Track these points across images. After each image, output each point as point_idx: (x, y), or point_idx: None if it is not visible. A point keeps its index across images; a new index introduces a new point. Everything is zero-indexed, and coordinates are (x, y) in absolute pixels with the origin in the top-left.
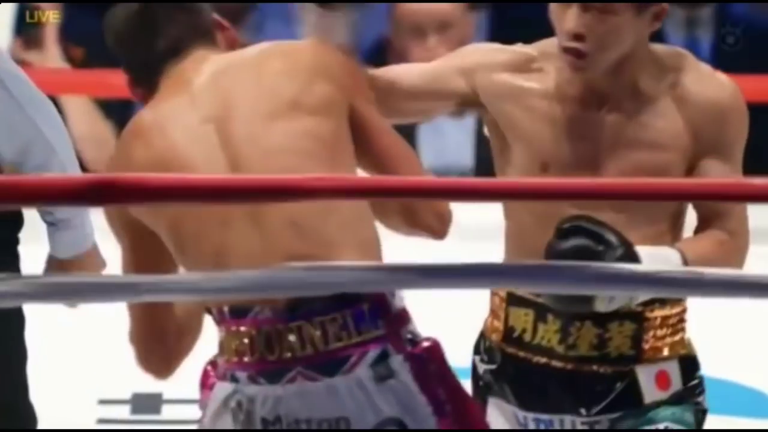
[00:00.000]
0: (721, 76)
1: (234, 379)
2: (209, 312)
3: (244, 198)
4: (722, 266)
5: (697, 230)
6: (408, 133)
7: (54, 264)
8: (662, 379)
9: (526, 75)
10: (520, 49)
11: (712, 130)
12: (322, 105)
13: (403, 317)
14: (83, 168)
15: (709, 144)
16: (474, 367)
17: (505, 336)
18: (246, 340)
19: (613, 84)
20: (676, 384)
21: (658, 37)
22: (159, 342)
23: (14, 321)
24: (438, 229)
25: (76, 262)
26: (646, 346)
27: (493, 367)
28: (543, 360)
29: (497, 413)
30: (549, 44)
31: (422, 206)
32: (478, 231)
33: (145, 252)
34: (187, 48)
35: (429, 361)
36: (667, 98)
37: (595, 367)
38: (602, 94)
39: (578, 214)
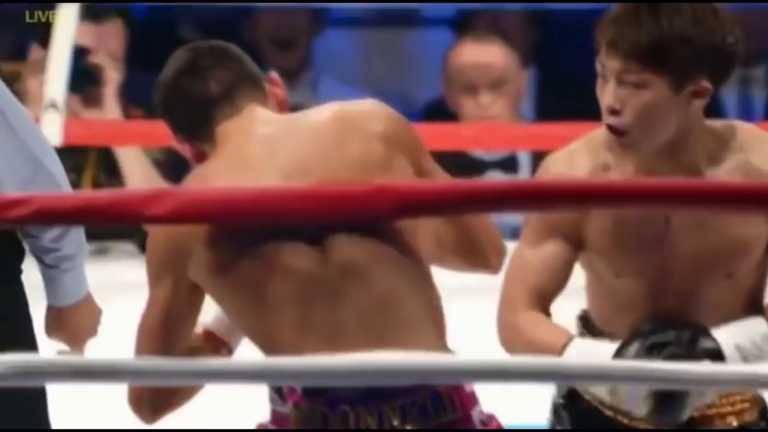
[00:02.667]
0: None
1: None
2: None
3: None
4: None
5: None
6: None
7: (53, 315)
8: None
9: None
10: (583, 166)
11: None
12: (399, 175)
13: (473, 398)
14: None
15: None
16: (554, 406)
17: None
18: (319, 420)
19: (673, 168)
20: None
21: (713, 110)
22: (157, 391)
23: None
24: (498, 265)
25: (77, 310)
26: (696, 414)
27: (566, 411)
28: (597, 407)
29: None
30: (599, 135)
31: (485, 245)
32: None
33: (178, 306)
34: (239, 96)
35: None
36: (734, 179)
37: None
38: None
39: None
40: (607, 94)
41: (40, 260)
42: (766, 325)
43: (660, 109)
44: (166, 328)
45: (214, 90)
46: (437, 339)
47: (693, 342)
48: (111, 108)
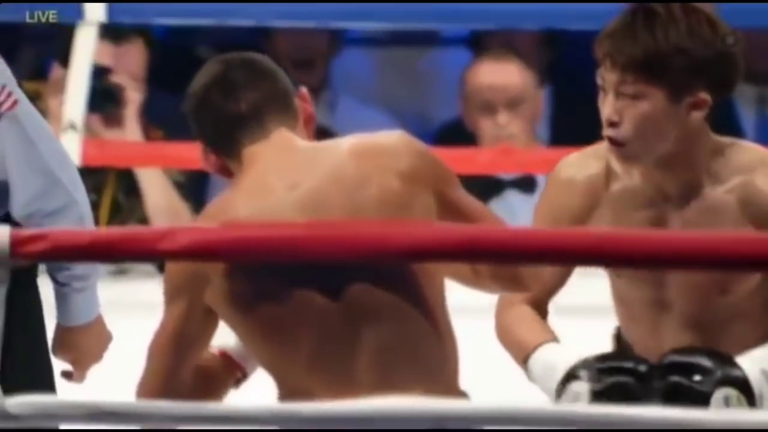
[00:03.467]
0: None
1: None
2: None
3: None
4: None
5: None
6: None
7: (61, 334)
8: None
9: (602, 188)
10: (590, 169)
11: None
12: (419, 214)
13: None
14: None
15: None
16: None
17: None
18: None
19: (673, 181)
20: None
21: (728, 115)
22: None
23: None
24: (536, 288)
25: (85, 331)
26: None
27: None
28: None
29: None
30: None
31: (522, 270)
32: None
33: (191, 328)
34: (267, 119)
35: None
36: (732, 199)
37: None
38: (665, 194)
39: (674, 350)
40: (606, 106)
41: (53, 277)
42: None
43: (658, 120)
44: (176, 347)
45: (242, 110)
46: (449, 383)
47: (649, 377)
48: (132, 128)
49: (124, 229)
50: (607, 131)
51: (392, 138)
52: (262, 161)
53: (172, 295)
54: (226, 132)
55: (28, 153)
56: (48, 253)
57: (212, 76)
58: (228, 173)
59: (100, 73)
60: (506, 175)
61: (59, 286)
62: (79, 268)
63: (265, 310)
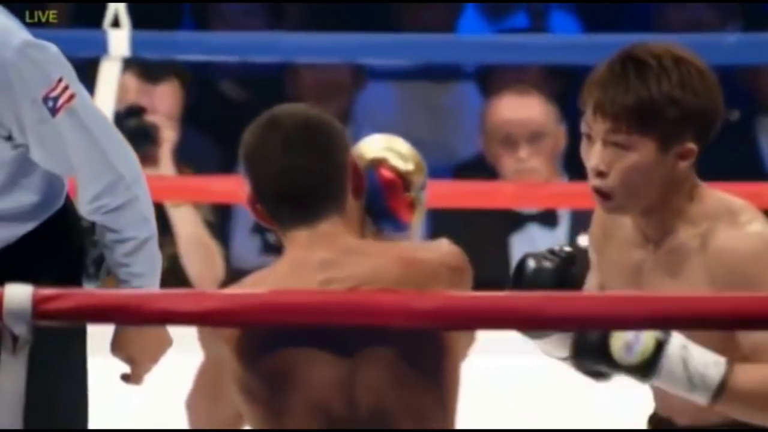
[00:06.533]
0: (754, 236)
1: None
2: None
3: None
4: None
5: None
6: (501, 243)
7: (119, 332)
8: None
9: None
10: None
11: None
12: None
13: None
14: (185, 281)
15: None
16: None
17: None
18: None
19: (653, 227)
20: None
21: (752, 160)
22: None
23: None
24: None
25: (142, 331)
26: None
27: None
28: None
29: None
30: None
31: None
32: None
33: (220, 382)
34: (313, 202)
35: None
36: (696, 245)
37: None
38: (646, 236)
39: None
40: (593, 156)
41: (114, 274)
42: (725, 367)
43: (646, 171)
44: (211, 392)
45: (289, 191)
46: None
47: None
48: (166, 166)
49: (148, 291)
50: (593, 181)
51: (438, 256)
52: (303, 249)
53: (202, 348)
54: (272, 206)
55: (89, 148)
56: (70, 313)
57: (265, 140)
58: (268, 223)
59: (136, 113)
60: (528, 209)
61: (120, 282)
62: (136, 266)
63: (271, 397)
